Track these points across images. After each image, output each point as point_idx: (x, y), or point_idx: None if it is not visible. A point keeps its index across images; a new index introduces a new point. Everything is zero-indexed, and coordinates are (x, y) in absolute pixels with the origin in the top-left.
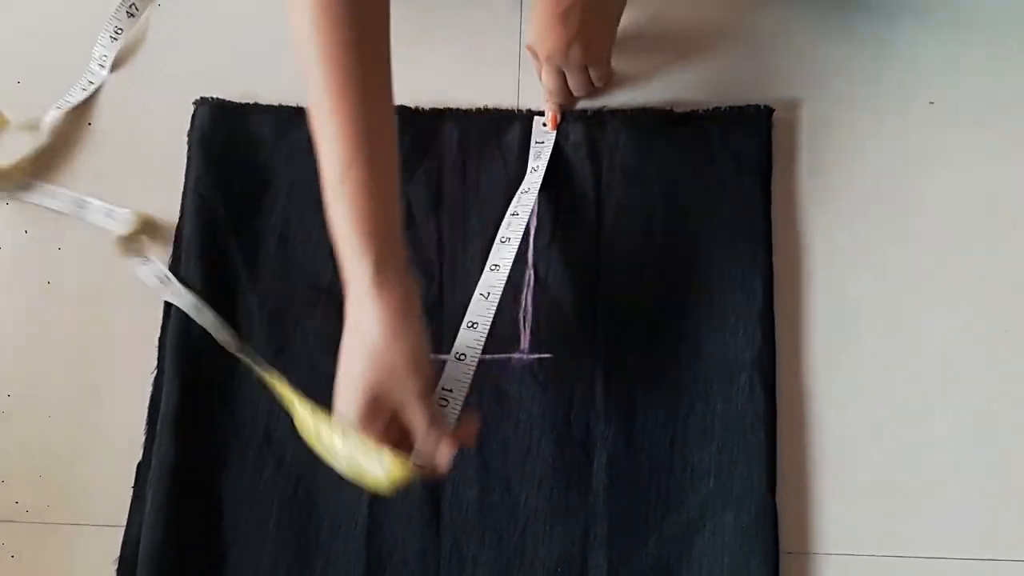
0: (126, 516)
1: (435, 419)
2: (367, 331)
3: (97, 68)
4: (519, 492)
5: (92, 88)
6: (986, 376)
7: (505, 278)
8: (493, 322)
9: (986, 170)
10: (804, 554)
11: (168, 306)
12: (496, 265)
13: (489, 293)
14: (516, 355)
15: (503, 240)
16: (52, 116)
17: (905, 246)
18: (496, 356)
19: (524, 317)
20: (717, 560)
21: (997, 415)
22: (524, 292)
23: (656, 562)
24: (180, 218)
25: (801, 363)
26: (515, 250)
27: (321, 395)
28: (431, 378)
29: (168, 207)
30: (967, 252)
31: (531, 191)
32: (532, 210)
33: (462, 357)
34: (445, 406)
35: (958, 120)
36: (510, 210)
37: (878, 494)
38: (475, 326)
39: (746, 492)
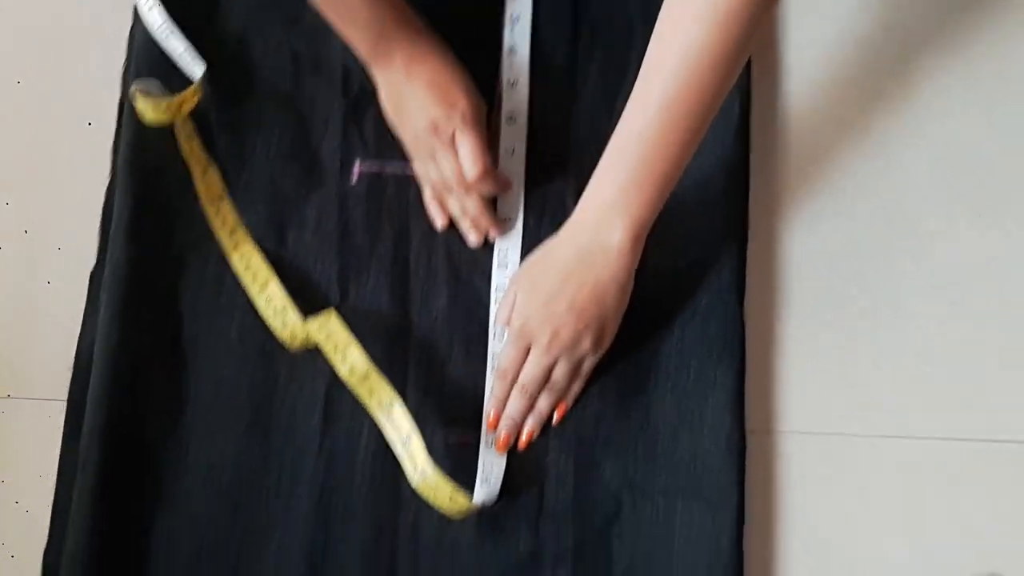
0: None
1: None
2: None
3: None
4: (488, 293)
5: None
6: (965, 266)
7: (524, 161)
8: None
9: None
10: (767, 432)
11: (121, 107)
12: (511, 149)
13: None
14: None
15: (509, 120)
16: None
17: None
18: None
19: None
20: (684, 366)
21: (970, 306)
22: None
23: (625, 366)
24: (133, 24)
25: (775, 212)
26: (524, 129)
27: (281, 215)
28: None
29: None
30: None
31: (521, 51)
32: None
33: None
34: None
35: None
36: (505, 77)
37: (843, 375)
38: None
39: (715, 302)
